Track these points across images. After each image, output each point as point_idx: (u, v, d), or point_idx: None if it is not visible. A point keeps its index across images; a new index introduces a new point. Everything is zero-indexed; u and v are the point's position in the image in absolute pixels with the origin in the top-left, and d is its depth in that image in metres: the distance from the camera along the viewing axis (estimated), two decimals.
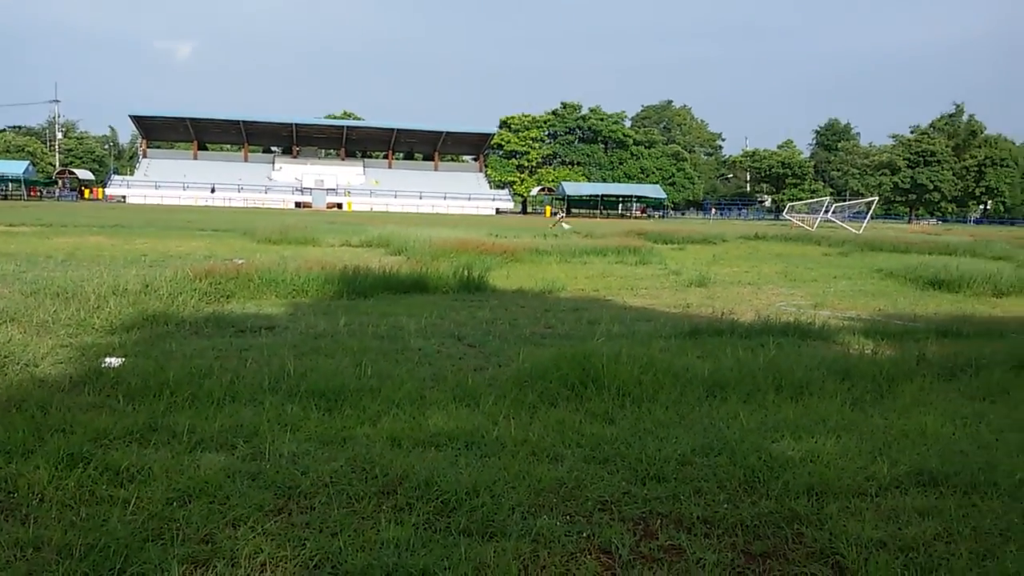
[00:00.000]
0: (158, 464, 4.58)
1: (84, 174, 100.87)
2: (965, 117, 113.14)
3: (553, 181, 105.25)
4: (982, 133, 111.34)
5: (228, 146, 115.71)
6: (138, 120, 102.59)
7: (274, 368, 6.85)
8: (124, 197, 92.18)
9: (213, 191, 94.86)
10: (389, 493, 4.34)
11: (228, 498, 4.21)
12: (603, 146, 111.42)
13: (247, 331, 9.30)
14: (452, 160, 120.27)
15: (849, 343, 9.48)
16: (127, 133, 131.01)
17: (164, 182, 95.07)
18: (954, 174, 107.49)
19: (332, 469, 4.59)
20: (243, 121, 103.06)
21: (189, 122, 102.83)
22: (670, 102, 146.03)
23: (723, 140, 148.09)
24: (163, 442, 5.05)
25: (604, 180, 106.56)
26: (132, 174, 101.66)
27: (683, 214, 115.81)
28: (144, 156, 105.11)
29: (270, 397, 6.00)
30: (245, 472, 4.57)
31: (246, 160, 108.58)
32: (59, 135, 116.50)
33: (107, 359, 7.16)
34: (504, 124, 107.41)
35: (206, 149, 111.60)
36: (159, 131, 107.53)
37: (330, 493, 4.30)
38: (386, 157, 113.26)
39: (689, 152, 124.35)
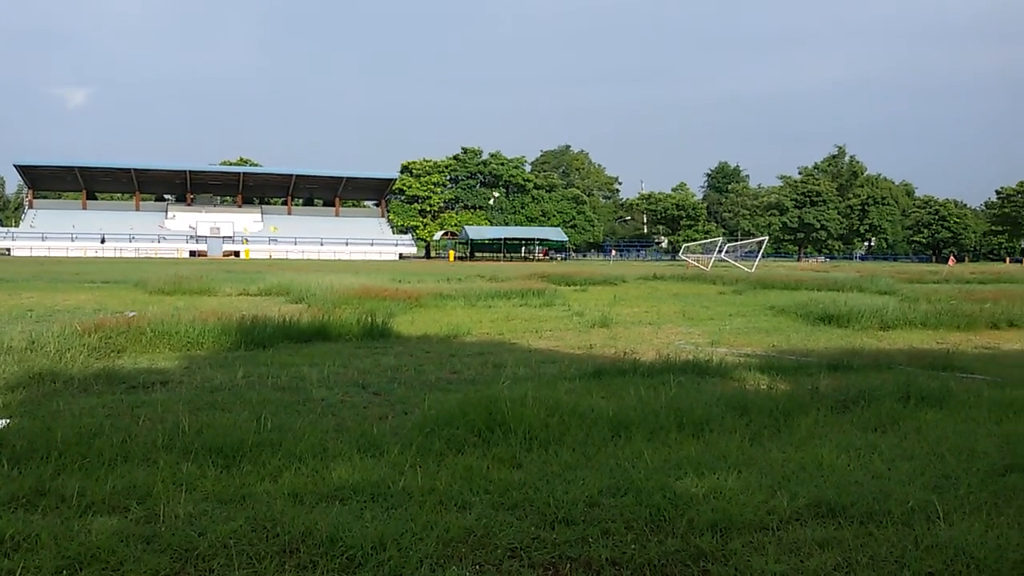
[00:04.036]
0: (46, 531, 4.32)
1: None
2: (847, 158, 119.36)
3: (456, 225, 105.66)
4: (863, 173, 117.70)
5: (119, 195, 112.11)
6: (24, 170, 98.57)
7: (168, 425, 6.58)
8: (9, 250, 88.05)
9: (103, 241, 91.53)
10: (292, 552, 4.20)
11: (122, 564, 4.01)
12: (504, 190, 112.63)
13: (139, 387, 8.94)
14: (353, 206, 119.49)
15: (746, 379, 9.74)
16: (14, 183, 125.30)
17: (52, 233, 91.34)
18: (839, 213, 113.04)
19: (231, 529, 4.41)
20: (134, 169, 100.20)
21: (78, 171, 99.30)
22: (568, 147, 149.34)
23: (620, 184, 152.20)
24: (51, 507, 4.78)
25: (506, 224, 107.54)
26: (17, 225, 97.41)
27: (584, 256, 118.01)
28: (30, 207, 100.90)
29: (164, 456, 5.76)
30: (139, 535, 4.35)
31: (138, 209, 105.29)
32: None
33: None
34: (405, 169, 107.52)
35: (95, 199, 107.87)
36: (46, 181, 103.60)
37: (230, 555, 4.13)
38: (285, 203, 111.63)
39: (588, 195, 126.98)
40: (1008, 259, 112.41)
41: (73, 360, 10.18)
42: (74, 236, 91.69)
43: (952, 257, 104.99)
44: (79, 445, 5.82)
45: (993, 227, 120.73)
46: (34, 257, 77.42)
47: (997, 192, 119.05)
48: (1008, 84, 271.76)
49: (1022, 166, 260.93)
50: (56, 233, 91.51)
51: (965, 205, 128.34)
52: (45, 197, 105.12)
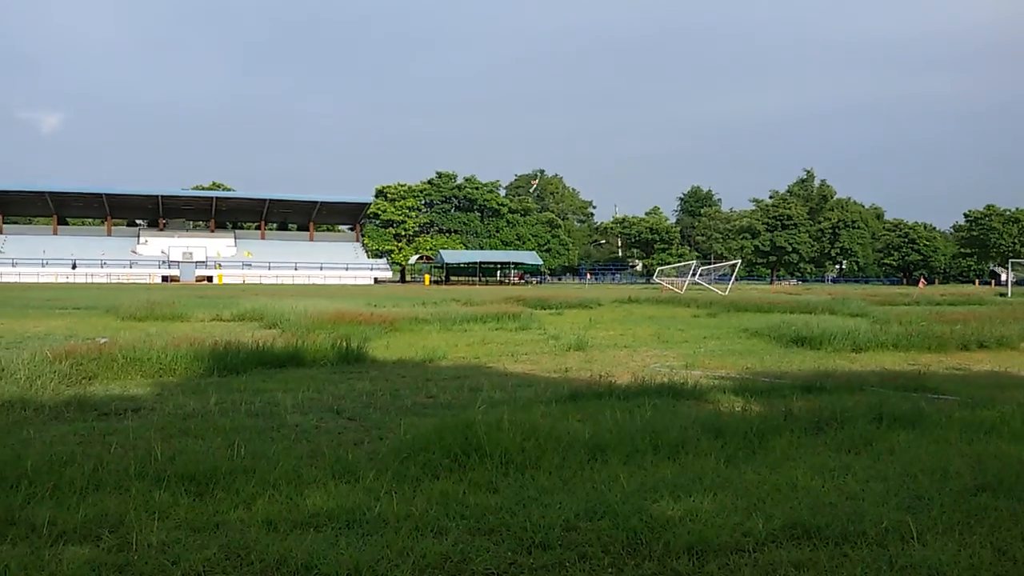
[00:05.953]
0: (15, 561, 4.26)
1: None
2: (816, 182, 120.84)
3: (431, 249, 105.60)
4: (833, 197, 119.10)
5: (90, 220, 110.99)
6: None
7: (140, 452, 6.50)
8: None
9: (74, 267, 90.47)
10: None
11: None
12: (479, 214, 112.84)
13: (111, 414, 8.84)
14: (328, 230, 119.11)
15: (720, 401, 9.78)
16: None
17: (22, 259, 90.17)
18: (810, 236, 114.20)
19: (204, 557, 4.36)
20: (106, 194, 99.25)
21: (49, 196, 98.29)
22: (542, 171, 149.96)
23: (594, 207, 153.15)
24: (22, 536, 4.70)
25: (481, 247, 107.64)
26: None
27: (559, 279, 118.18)
28: (0, 233, 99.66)
29: (137, 484, 5.68)
30: (111, 565, 4.29)
31: (109, 234, 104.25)
32: None
33: None
34: (380, 193, 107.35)
35: (67, 224, 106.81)
36: (16, 206, 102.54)
37: None
38: (259, 228, 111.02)
39: (563, 219, 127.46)
40: (977, 281, 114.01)
41: (44, 387, 10.06)
42: (45, 262, 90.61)
43: (922, 279, 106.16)
44: (50, 473, 5.73)
45: (962, 250, 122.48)
46: (4, 283, 76.33)
47: (965, 215, 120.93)
48: (974, 109, 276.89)
49: (990, 189, 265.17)
50: (26, 259, 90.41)
51: (934, 228, 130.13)
52: (15, 223, 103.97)
